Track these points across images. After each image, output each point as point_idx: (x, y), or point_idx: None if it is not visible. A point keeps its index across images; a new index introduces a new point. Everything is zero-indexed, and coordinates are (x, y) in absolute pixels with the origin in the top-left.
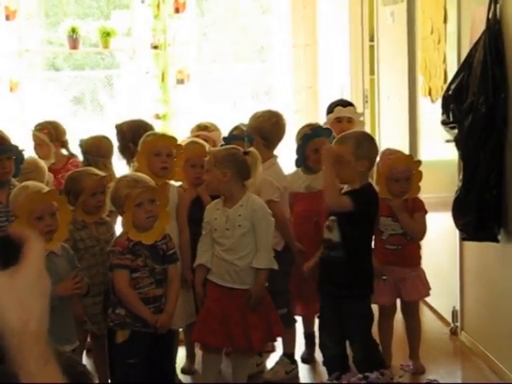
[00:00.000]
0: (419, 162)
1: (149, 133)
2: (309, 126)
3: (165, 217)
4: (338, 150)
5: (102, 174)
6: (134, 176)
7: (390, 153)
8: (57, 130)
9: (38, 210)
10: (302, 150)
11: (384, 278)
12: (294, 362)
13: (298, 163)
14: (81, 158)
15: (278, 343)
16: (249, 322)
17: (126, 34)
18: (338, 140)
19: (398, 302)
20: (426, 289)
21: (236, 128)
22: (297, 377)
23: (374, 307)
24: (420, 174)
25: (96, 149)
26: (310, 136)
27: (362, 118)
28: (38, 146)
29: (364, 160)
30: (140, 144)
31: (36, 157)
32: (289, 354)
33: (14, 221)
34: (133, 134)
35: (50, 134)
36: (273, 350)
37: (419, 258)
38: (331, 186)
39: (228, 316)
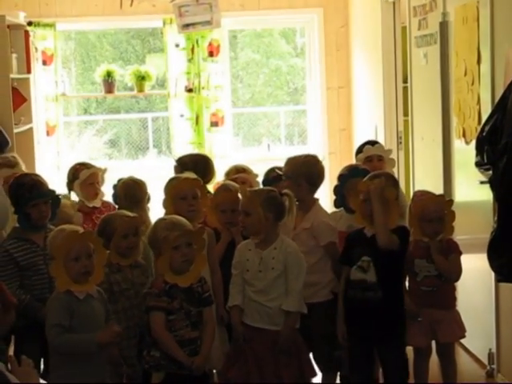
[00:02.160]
0: (451, 202)
1: (172, 177)
2: (348, 167)
3: (201, 260)
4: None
5: (133, 215)
6: (172, 219)
7: (421, 194)
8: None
9: (75, 251)
10: (340, 191)
11: (419, 319)
12: None
13: (338, 204)
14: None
15: None
16: (279, 361)
17: (161, 77)
18: (372, 176)
19: (433, 343)
20: (461, 330)
21: (271, 170)
22: None
23: (409, 349)
24: (453, 214)
25: (131, 192)
26: (347, 176)
27: (391, 156)
28: (91, 184)
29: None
30: (165, 189)
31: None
32: None
33: (52, 262)
34: (194, 166)
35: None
36: None
37: (454, 299)
38: (383, 225)
39: (259, 356)
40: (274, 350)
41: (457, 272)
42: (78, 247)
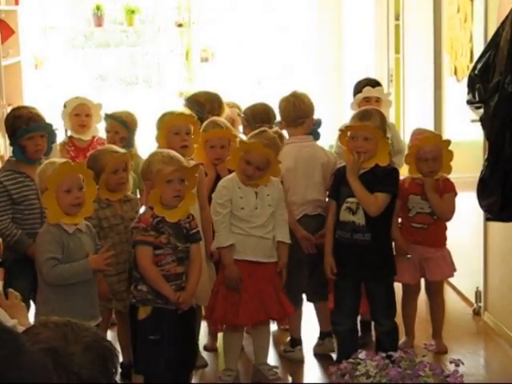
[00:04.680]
0: (448, 142)
1: (165, 112)
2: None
3: (190, 198)
4: (367, 129)
5: (122, 151)
6: (169, 153)
7: (419, 132)
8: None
9: (67, 183)
10: None
11: (408, 256)
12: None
13: None
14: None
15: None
16: (278, 290)
17: (151, 12)
18: (362, 116)
19: (422, 281)
20: (449, 269)
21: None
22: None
23: (398, 286)
24: (451, 154)
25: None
26: None
27: (389, 98)
28: (77, 116)
29: (386, 135)
30: (158, 123)
31: None
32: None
33: (43, 194)
34: (211, 105)
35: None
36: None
37: (444, 238)
38: (365, 197)
39: (262, 289)
40: (272, 281)
41: (449, 211)
42: (70, 179)
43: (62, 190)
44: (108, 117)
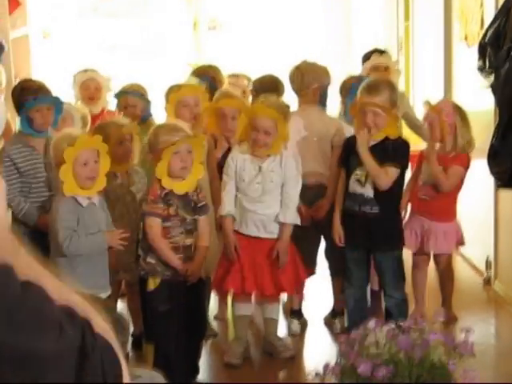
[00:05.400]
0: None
1: (173, 85)
2: (353, 78)
3: (198, 169)
4: (375, 105)
5: (127, 121)
6: (175, 124)
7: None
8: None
9: (84, 156)
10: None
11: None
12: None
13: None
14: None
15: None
16: (276, 267)
17: None
18: (370, 90)
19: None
20: (449, 245)
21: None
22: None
23: (408, 257)
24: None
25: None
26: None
27: (397, 67)
28: (86, 89)
29: (396, 107)
30: (166, 95)
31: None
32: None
33: (61, 166)
34: (218, 77)
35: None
36: (302, 297)
37: (450, 213)
38: (376, 170)
39: (255, 264)
40: (269, 257)
41: (447, 183)
42: (88, 152)
43: (79, 164)
44: (121, 93)
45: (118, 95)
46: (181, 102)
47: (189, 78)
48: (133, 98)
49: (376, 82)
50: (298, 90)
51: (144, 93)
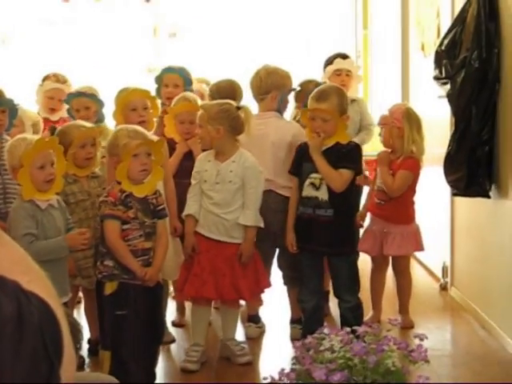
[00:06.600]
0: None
1: (121, 88)
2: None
3: (157, 173)
4: (323, 112)
5: (90, 125)
6: (135, 128)
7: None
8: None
9: (41, 159)
10: None
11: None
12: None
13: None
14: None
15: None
16: (237, 272)
17: None
18: (318, 97)
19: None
20: (407, 247)
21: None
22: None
23: (366, 262)
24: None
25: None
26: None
27: (359, 72)
28: (51, 99)
29: (346, 113)
30: (115, 101)
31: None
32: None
33: (18, 171)
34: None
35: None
36: (261, 303)
37: (406, 216)
38: (330, 173)
39: (216, 268)
40: (230, 262)
41: (394, 188)
42: (44, 155)
43: (35, 167)
44: (75, 95)
45: (69, 99)
46: (128, 106)
47: None
48: (85, 99)
49: (324, 89)
50: (257, 95)
51: (96, 93)
